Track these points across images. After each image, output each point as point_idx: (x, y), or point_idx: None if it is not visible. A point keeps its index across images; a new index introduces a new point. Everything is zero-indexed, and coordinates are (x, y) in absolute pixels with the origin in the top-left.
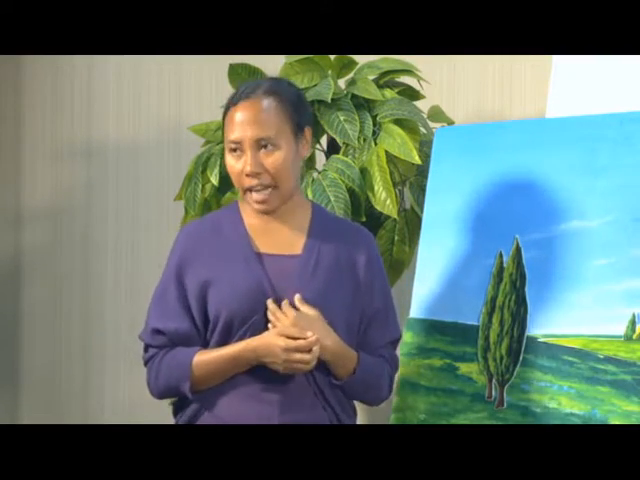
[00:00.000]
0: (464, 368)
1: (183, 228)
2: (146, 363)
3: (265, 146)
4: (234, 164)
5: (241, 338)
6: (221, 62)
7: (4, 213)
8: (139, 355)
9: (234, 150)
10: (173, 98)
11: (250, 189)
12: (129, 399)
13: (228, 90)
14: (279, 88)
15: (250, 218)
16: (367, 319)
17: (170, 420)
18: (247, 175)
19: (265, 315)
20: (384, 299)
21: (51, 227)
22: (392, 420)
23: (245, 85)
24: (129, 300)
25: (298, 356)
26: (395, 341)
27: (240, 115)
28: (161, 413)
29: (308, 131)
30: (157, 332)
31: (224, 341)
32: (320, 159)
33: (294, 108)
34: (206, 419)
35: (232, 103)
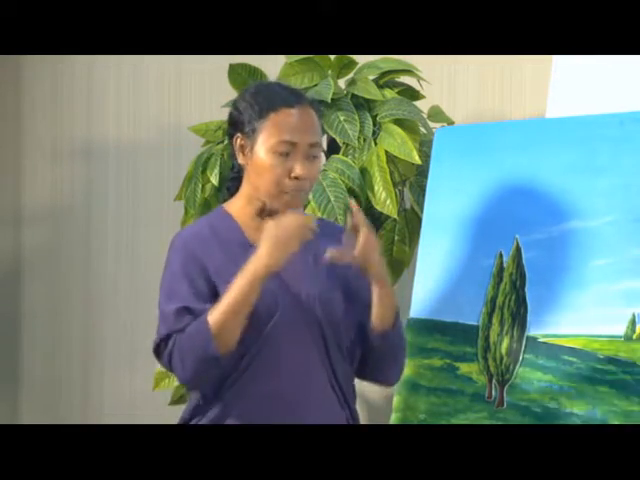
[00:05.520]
0: (464, 368)
1: (177, 234)
2: (169, 359)
3: (311, 153)
4: (277, 165)
5: (269, 335)
6: (221, 62)
7: (4, 213)
8: (139, 355)
9: (284, 152)
10: (173, 98)
11: (288, 191)
12: (129, 399)
13: (228, 90)
14: (316, 104)
15: (241, 218)
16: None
17: (170, 420)
18: (296, 178)
19: (286, 310)
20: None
21: (51, 227)
22: (392, 420)
23: (284, 87)
24: (129, 300)
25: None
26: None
27: (300, 118)
28: (161, 413)
29: None
30: (185, 310)
31: (250, 336)
32: None
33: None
34: (227, 421)
35: (283, 105)
